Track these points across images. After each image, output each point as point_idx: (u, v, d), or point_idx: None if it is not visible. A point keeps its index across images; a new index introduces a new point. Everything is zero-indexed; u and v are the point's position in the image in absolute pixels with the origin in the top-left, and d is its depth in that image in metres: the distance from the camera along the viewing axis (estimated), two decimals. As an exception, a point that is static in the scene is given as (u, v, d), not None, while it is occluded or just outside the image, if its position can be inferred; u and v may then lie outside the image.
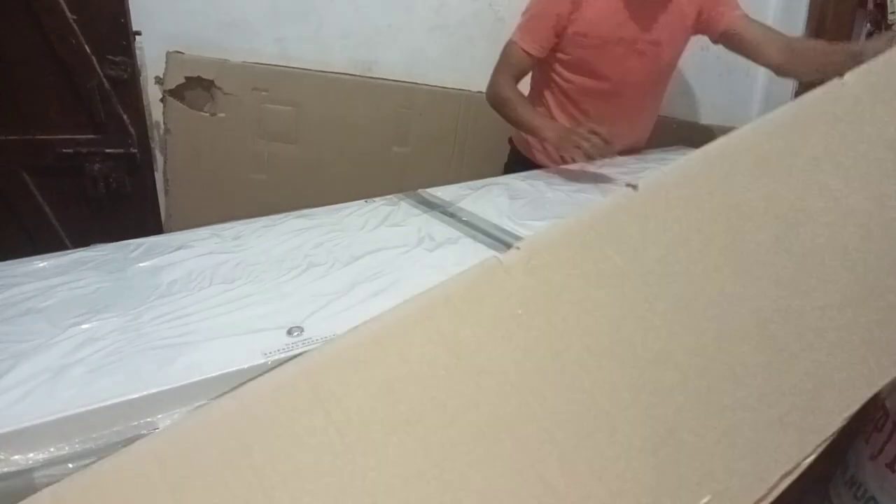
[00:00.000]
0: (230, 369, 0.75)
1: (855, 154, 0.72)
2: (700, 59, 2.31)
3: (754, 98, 2.46)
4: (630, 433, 0.54)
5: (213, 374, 0.75)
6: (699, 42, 2.28)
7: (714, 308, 0.61)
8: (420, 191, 1.45)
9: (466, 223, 1.24)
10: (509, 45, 1.65)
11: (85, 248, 1.13)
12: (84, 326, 0.85)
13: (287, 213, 1.28)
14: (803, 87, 2.28)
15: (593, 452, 0.53)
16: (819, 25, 2.22)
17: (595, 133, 1.44)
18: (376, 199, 1.40)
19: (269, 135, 1.89)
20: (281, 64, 1.87)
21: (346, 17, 1.93)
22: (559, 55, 1.68)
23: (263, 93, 1.85)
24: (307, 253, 1.08)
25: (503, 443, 0.52)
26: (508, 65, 1.64)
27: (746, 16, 1.66)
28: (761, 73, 2.39)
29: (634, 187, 0.67)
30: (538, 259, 0.61)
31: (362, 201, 1.38)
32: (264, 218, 1.24)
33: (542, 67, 1.73)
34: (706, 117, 2.39)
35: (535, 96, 1.80)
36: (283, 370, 0.55)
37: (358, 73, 1.96)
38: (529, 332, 0.57)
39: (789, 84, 2.35)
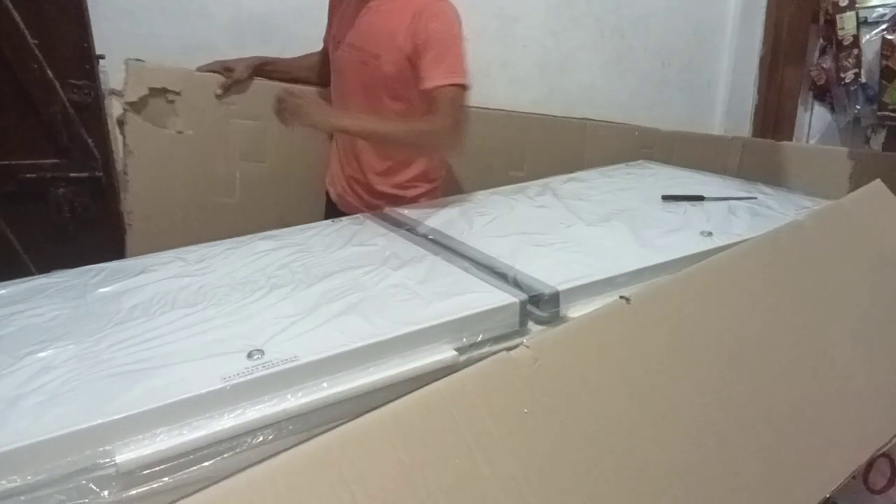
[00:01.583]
0: (188, 395, 0.75)
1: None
2: (661, 73, 2.36)
3: (716, 110, 2.51)
4: None
5: (171, 401, 0.74)
6: (660, 59, 2.34)
7: (696, 418, 0.65)
8: (386, 210, 1.46)
9: (432, 241, 1.24)
10: None
11: (45, 274, 1.12)
12: (40, 355, 0.84)
13: (253, 235, 1.27)
14: (762, 102, 2.34)
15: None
16: (775, 41, 2.29)
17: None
18: (342, 218, 1.41)
19: (238, 153, 1.81)
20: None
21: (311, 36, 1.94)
22: None
23: (232, 107, 1.77)
24: (271, 275, 1.07)
25: None
26: None
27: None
28: (721, 85, 2.45)
29: (627, 300, 0.77)
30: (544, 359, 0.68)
31: (329, 221, 1.38)
32: (229, 240, 1.24)
33: None
34: (668, 126, 2.44)
35: None
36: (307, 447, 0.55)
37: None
38: (534, 431, 0.61)
39: (748, 98, 2.41)
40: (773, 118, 2.23)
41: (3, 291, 1.04)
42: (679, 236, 1.23)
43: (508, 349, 0.67)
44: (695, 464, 0.61)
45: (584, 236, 1.26)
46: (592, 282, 1.06)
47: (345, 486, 0.51)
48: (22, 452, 0.67)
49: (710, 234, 1.24)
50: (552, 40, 2.17)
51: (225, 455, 0.75)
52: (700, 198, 1.47)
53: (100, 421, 0.71)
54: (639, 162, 2.01)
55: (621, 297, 0.77)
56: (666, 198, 1.47)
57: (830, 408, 0.78)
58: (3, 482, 0.66)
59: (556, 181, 1.69)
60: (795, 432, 0.72)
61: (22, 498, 0.66)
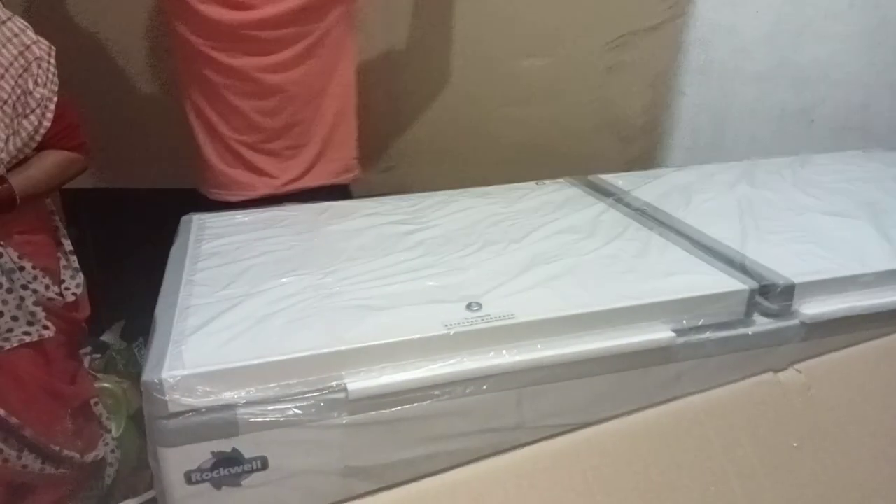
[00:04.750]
0: (414, 336, 0.78)
1: None
2: None
3: None
4: None
5: (399, 339, 0.78)
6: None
7: None
8: (591, 177, 1.41)
9: (645, 214, 1.18)
10: None
11: (277, 206, 1.22)
12: (282, 280, 0.91)
13: (462, 190, 1.30)
14: None
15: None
16: None
17: None
18: (546, 182, 1.38)
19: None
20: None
21: None
22: None
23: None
24: (483, 231, 1.09)
25: None
26: None
27: None
28: None
29: None
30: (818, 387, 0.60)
31: (532, 183, 1.36)
32: (441, 192, 1.27)
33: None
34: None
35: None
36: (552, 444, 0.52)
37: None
38: (803, 469, 0.54)
39: None
40: None
41: (246, 218, 1.15)
42: (939, 238, 1.06)
43: (775, 373, 0.57)
44: None
45: (819, 226, 1.13)
46: (833, 278, 0.95)
47: (589, 494, 0.48)
48: (270, 367, 0.74)
49: (977, 240, 1.05)
50: (791, 6, 1.94)
51: (442, 398, 0.77)
52: (966, 197, 1.25)
53: (337, 349, 0.76)
54: (878, 150, 1.76)
55: None
56: (922, 193, 1.27)
57: None
58: (253, 390, 0.73)
59: (781, 163, 1.53)
60: None
61: (269, 408, 0.73)
